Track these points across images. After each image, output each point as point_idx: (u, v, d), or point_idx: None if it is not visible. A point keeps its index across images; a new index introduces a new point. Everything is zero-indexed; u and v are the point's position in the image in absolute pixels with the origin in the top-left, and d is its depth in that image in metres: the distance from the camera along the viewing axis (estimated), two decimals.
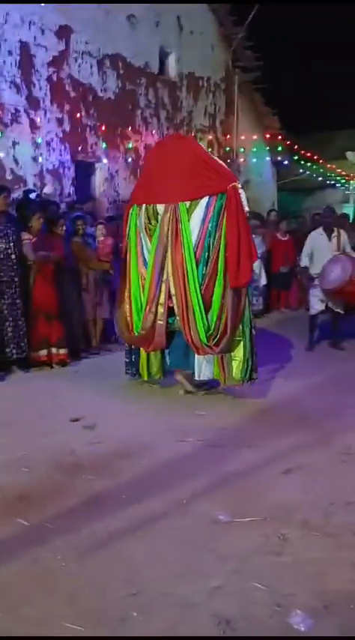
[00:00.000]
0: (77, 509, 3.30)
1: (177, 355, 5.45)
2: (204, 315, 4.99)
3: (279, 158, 15.01)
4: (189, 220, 5.02)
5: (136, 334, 5.37)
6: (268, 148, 15.21)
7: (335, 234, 7.22)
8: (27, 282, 6.26)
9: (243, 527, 3.10)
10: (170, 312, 5.18)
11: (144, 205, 5.30)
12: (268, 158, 15.39)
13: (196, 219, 5.02)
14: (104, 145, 9.52)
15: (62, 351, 6.40)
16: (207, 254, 5.03)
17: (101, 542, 2.95)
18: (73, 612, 2.42)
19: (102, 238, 7.13)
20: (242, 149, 13.78)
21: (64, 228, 6.70)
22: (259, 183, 14.99)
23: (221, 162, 5.48)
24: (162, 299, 5.16)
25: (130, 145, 10.14)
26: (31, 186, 8.13)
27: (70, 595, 2.54)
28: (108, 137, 9.60)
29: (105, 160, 9.63)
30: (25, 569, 2.73)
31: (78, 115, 9.01)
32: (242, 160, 14.00)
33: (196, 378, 5.33)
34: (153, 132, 10.76)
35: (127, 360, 5.75)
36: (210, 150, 12.52)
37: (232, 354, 5.10)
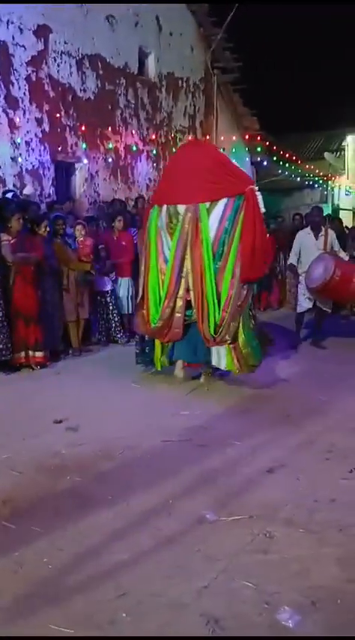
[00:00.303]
0: (62, 511, 3.28)
1: (184, 348, 5.66)
2: (216, 309, 5.31)
3: (258, 159, 15.11)
4: (208, 219, 5.37)
5: (153, 326, 5.60)
6: (247, 148, 15.30)
7: (322, 233, 7.31)
8: (7, 283, 6.20)
9: (229, 526, 3.12)
10: (187, 305, 5.49)
11: (165, 206, 5.62)
12: (247, 159, 15.46)
13: (215, 218, 5.38)
14: (84, 146, 9.48)
15: (39, 354, 6.33)
16: (221, 249, 5.37)
17: (87, 544, 2.95)
18: (61, 615, 2.41)
19: (81, 239, 7.10)
20: (221, 149, 13.83)
21: (48, 229, 6.65)
22: None
23: (238, 165, 5.89)
24: (181, 293, 5.48)
25: (110, 146, 10.12)
26: (10, 187, 8.06)
27: (57, 598, 2.53)
28: (88, 137, 9.56)
29: (85, 161, 9.59)
30: (12, 572, 2.71)
31: (57, 115, 8.96)
32: None
33: (214, 364, 5.63)
34: (133, 132, 10.75)
35: (138, 351, 6.05)
36: None
37: (240, 345, 5.40)
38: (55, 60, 8.92)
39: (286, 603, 2.49)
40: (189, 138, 12.61)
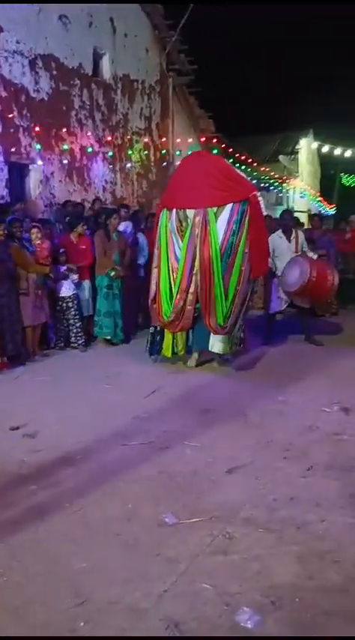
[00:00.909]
0: (19, 520, 3.20)
1: (200, 338, 6.33)
2: (224, 303, 5.99)
3: None
4: (216, 222, 5.98)
5: (166, 319, 6.24)
6: (203, 150, 15.38)
7: (293, 235, 7.58)
8: None
9: (189, 529, 3.10)
10: (197, 299, 6.12)
11: (174, 210, 6.23)
12: None
13: (223, 221, 6.00)
14: (38, 147, 9.32)
15: None
16: (229, 250, 6.00)
17: (45, 554, 2.88)
18: (18, 627, 2.34)
19: (38, 242, 6.97)
20: (178, 152, 13.87)
21: (6, 232, 6.49)
22: None
23: (242, 174, 6.61)
24: (192, 288, 6.10)
25: (66, 147, 9.99)
26: None
27: (14, 609, 2.46)
28: (42, 138, 9.41)
29: (39, 162, 9.43)
30: None
31: (10, 115, 8.78)
32: (178, 162, 14.09)
33: (209, 349, 6.26)
34: (89, 133, 10.65)
35: (150, 342, 6.60)
36: (145, 152, 12.59)
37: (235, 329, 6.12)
38: (7, 59, 8.74)
39: (246, 604, 2.49)
40: (146, 140, 12.60)
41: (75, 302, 7.41)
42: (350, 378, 5.92)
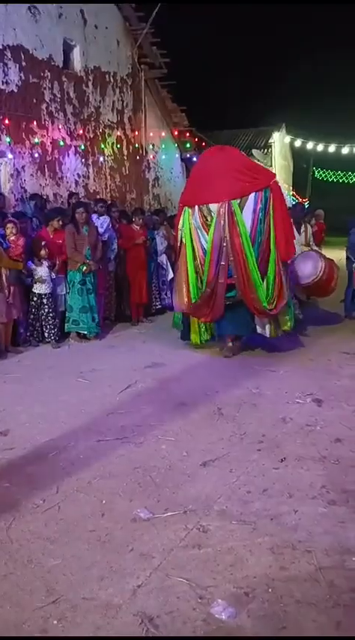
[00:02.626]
0: None
1: (227, 324, 6.58)
2: (262, 285, 6.19)
3: (188, 155, 15.18)
4: (241, 213, 6.14)
5: (194, 301, 6.44)
6: (177, 144, 15.34)
7: (303, 228, 7.82)
8: None
9: (164, 523, 3.10)
10: (228, 288, 6.29)
11: (196, 206, 6.37)
12: (177, 155, 15.52)
13: (247, 211, 6.18)
14: (8, 140, 9.16)
15: None
16: (260, 237, 6.21)
17: (17, 552, 2.85)
18: None
19: (13, 238, 6.84)
20: (151, 145, 13.80)
21: None
22: (169, 179, 15.09)
23: (260, 164, 6.80)
24: (221, 278, 6.25)
25: (37, 140, 9.84)
26: None
27: None
28: (12, 131, 9.25)
29: (10, 155, 9.27)
30: None
31: None
32: (152, 156, 14.02)
33: (259, 331, 6.62)
34: (60, 127, 10.51)
35: (182, 329, 7.00)
36: (118, 146, 12.49)
37: (280, 313, 6.40)
38: None
39: (220, 596, 2.51)
40: (118, 134, 12.48)
41: (50, 299, 7.32)
42: (323, 369, 5.99)
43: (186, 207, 6.53)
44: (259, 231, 6.19)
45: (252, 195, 6.18)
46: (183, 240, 6.54)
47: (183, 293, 6.53)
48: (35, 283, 7.18)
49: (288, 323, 6.51)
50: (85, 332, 7.54)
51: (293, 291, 6.77)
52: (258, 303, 6.21)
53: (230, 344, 6.67)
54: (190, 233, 6.45)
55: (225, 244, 6.15)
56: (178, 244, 6.77)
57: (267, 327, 6.52)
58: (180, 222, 6.62)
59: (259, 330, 6.60)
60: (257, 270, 6.16)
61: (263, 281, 6.21)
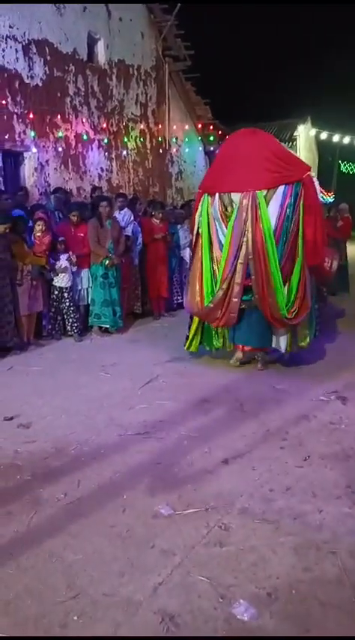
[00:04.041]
0: (13, 511, 3.16)
1: (244, 332, 5.85)
2: (283, 290, 5.45)
3: (211, 148, 15.08)
4: (267, 206, 5.43)
5: (206, 304, 5.73)
6: (200, 137, 15.25)
7: None
8: None
9: (185, 520, 3.07)
10: (245, 291, 5.57)
11: (217, 194, 5.69)
12: (200, 148, 15.43)
13: (274, 205, 5.46)
14: (33, 134, 9.20)
15: None
16: (285, 237, 5.47)
17: (39, 546, 2.85)
18: (9, 622, 2.31)
19: (39, 234, 6.86)
20: (174, 139, 13.73)
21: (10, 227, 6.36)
22: (193, 172, 15.02)
23: (293, 152, 5.90)
24: (237, 278, 5.54)
25: (60, 134, 9.86)
26: None
27: (5, 604, 2.43)
28: (36, 125, 9.28)
29: (34, 149, 9.31)
30: None
31: (4, 102, 8.65)
32: (175, 149, 13.96)
33: (273, 345, 5.84)
34: (84, 120, 10.51)
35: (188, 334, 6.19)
36: (141, 139, 12.45)
37: (300, 325, 5.67)
38: (0, 45, 8.59)
39: (242, 596, 2.47)
40: (141, 127, 12.44)
41: (70, 293, 7.34)
42: (347, 367, 5.88)
43: (206, 194, 5.87)
44: (285, 229, 5.46)
45: (281, 187, 5.45)
46: (200, 230, 5.89)
47: (195, 291, 5.88)
48: (56, 276, 7.19)
49: (307, 339, 5.73)
50: (107, 326, 7.55)
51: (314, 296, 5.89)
52: (275, 309, 5.46)
53: (240, 354, 6.00)
54: (208, 224, 5.80)
55: (245, 240, 5.47)
56: (194, 235, 6.07)
57: (282, 339, 5.74)
58: (198, 210, 5.95)
59: (273, 343, 5.83)
60: (279, 273, 5.42)
61: (284, 285, 5.49)
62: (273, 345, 5.83)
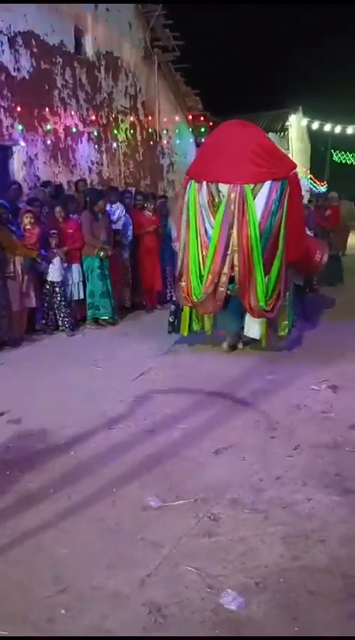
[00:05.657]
0: (2, 506, 3.15)
1: (227, 319, 6.10)
2: (263, 282, 5.64)
3: (202, 139, 14.98)
4: (253, 200, 5.57)
5: (196, 299, 5.87)
6: (191, 129, 15.17)
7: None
8: None
9: (174, 511, 3.06)
10: (230, 280, 5.74)
11: (204, 182, 5.76)
12: (191, 139, 15.35)
13: (261, 199, 5.60)
14: (20, 127, 9.12)
15: None
16: (269, 231, 5.64)
17: (27, 541, 2.83)
18: None
19: (29, 227, 6.82)
20: (165, 130, 13.66)
21: None
22: (184, 164, 14.92)
23: (281, 149, 6.17)
24: (225, 269, 5.68)
25: (49, 127, 9.78)
26: None
27: None
28: (24, 119, 9.20)
29: (22, 143, 9.23)
30: None
31: None
32: (166, 141, 13.89)
33: (245, 334, 6.07)
34: (73, 113, 10.43)
35: (171, 321, 6.44)
36: (132, 132, 12.38)
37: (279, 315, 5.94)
38: None
39: (230, 586, 2.46)
40: (131, 119, 12.35)
41: (62, 287, 7.31)
42: (338, 355, 5.88)
43: (192, 181, 5.90)
44: (269, 225, 5.61)
45: (268, 183, 5.59)
46: (187, 216, 5.91)
47: (184, 282, 5.95)
48: (50, 264, 7.15)
49: (286, 329, 6.03)
50: (106, 317, 7.58)
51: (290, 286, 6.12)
52: (254, 300, 5.67)
53: (229, 339, 6.20)
54: (195, 211, 5.83)
55: (232, 232, 5.58)
56: (181, 220, 6.05)
57: (257, 327, 5.96)
58: (185, 195, 5.96)
59: (246, 330, 6.04)
60: (261, 265, 5.59)
61: (265, 278, 5.67)
62: (246, 333, 6.05)
